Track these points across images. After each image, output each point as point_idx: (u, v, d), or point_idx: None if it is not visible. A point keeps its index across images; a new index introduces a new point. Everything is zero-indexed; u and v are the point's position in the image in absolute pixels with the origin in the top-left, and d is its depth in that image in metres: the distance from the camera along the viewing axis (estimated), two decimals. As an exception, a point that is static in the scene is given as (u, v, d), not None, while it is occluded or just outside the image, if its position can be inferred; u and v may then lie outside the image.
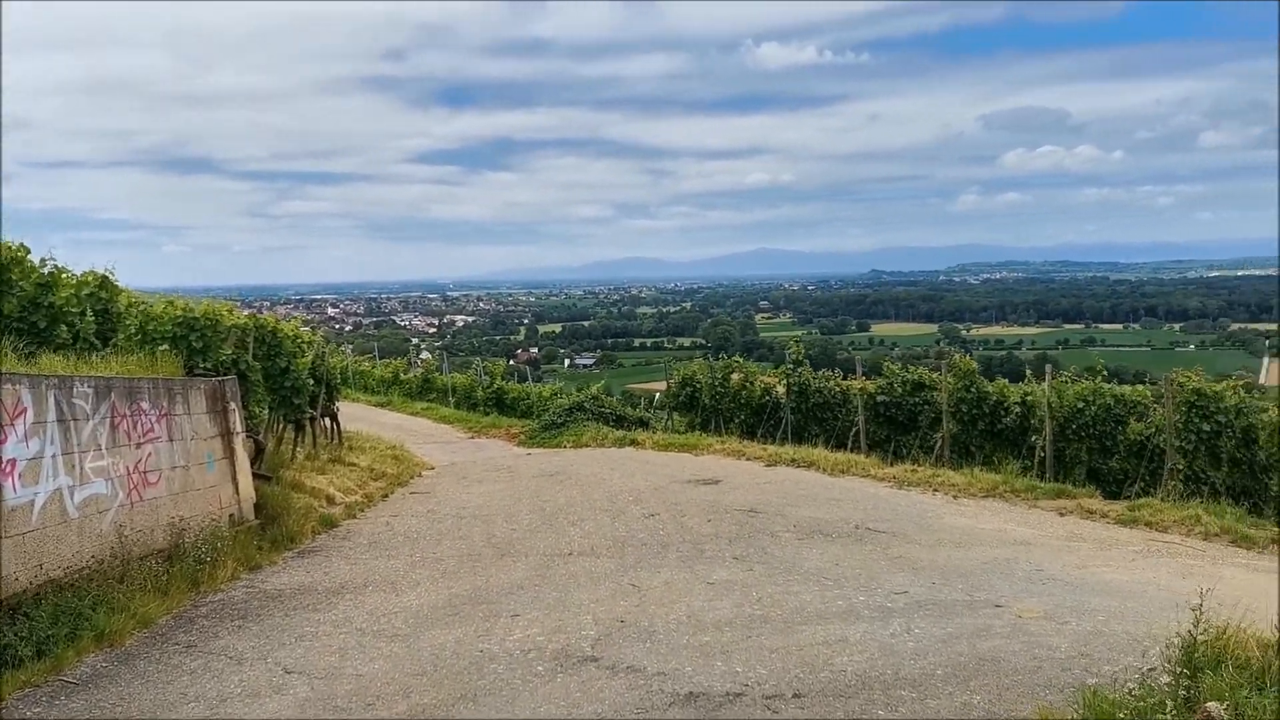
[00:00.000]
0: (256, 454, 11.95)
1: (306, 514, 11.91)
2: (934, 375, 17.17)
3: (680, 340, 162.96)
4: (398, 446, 19.51)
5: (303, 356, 15.17)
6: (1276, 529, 11.56)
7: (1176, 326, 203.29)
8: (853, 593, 8.65)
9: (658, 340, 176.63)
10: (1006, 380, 16.21)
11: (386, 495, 14.74)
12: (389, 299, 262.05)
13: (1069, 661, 6.93)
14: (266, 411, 13.71)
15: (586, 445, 20.04)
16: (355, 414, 26.31)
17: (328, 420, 18.52)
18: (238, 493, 10.92)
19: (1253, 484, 13.73)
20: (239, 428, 11.17)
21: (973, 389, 15.89)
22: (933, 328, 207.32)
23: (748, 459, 16.73)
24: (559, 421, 21.64)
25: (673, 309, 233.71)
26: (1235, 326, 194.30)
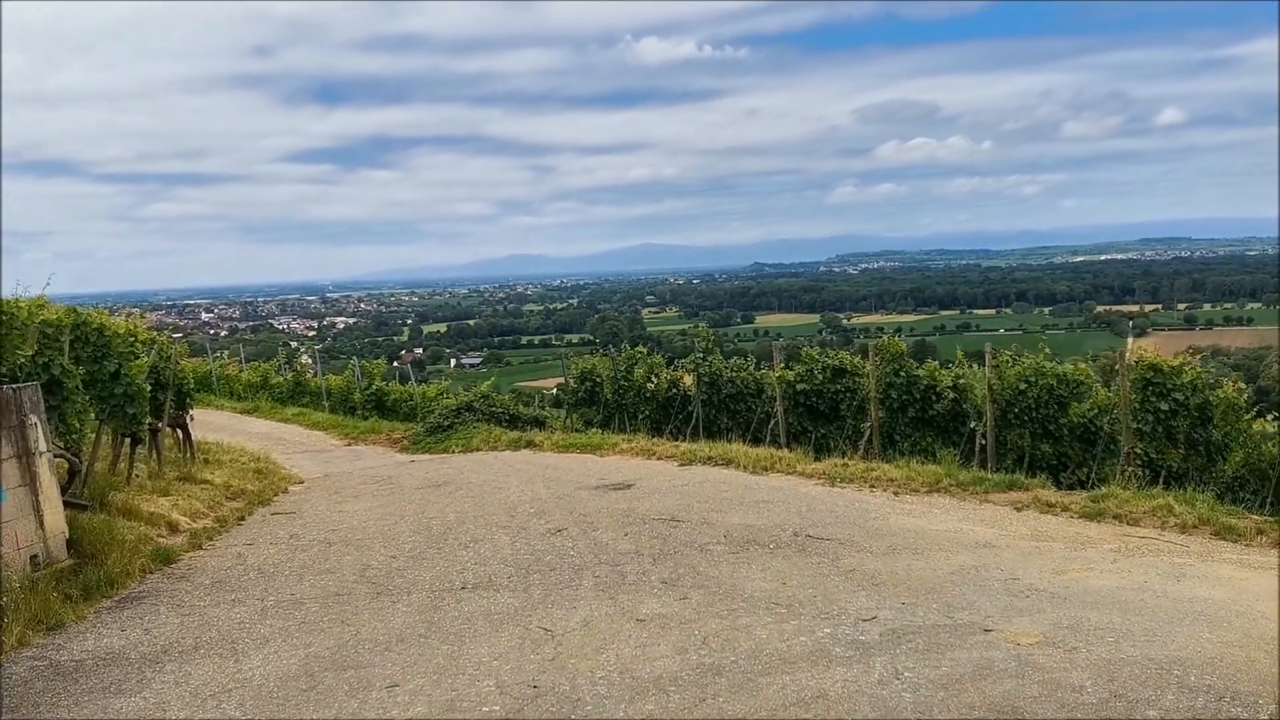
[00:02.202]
0: (70, 478, 9.76)
1: (137, 548, 9.73)
2: (856, 360, 15.79)
3: (568, 337, 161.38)
4: (262, 458, 17.29)
5: (139, 358, 12.89)
6: (1258, 518, 10.40)
7: (1046, 310, 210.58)
8: (813, 622, 7.05)
9: (545, 337, 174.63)
10: (936, 363, 14.89)
11: (244, 518, 12.57)
12: (266, 302, 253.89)
13: (1104, 706, 5.46)
14: (91, 425, 11.45)
15: (477, 449, 18.10)
16: (217, 422, 23.88)
17: (179, 431, 16.22)
18: (42, 527, 8.73)
19: (1207, 466, 12.68)
20: (43, 446, 8.97)
21: (902, 373, 14.54)
22: (815, 317, 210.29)
23: (659, 458, 15.05)
24: (446, 424, 19.62)
25: (559, 306, 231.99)
26: (1100, 309, 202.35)
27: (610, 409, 18.57)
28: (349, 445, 21.43)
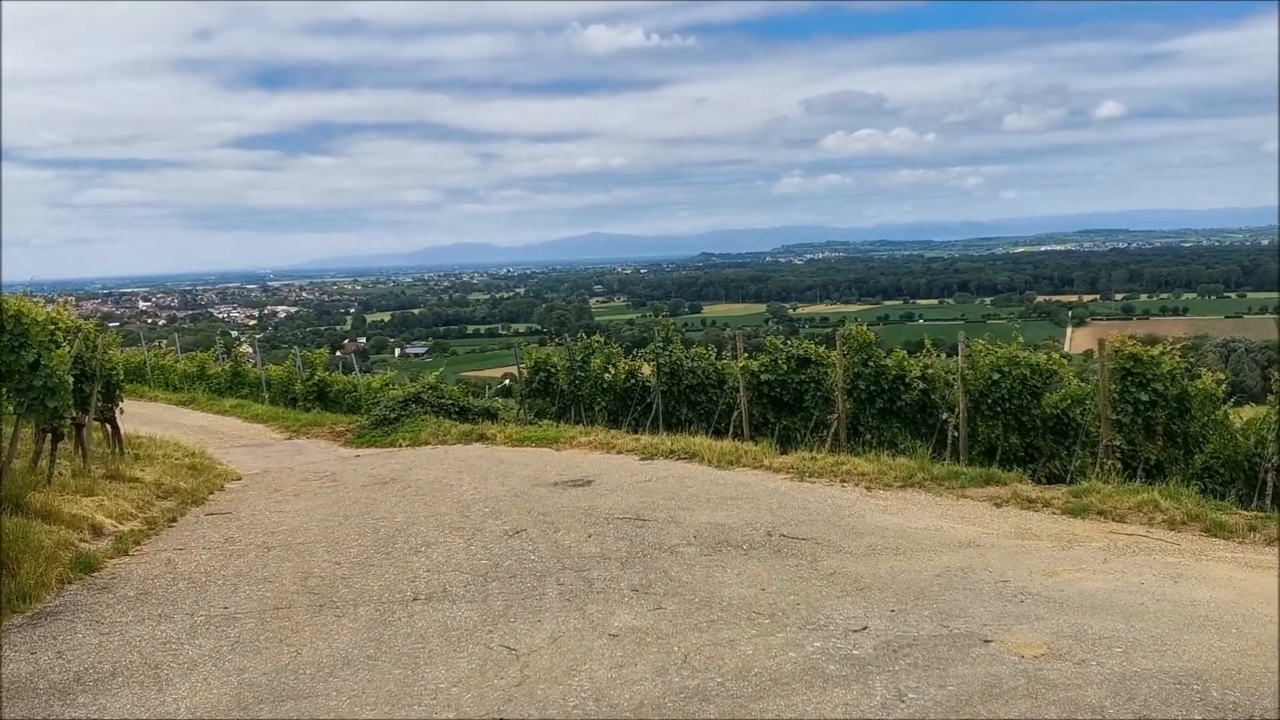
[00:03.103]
0: (-21, 479, 8.88)
1: (55, 555, 8.88)
2: (821, 350, 15.25)
3: (515, 326, 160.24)
4: (198, 453, 16.34)
5: (61, 348, 11.94)
6: (1248, 514, 10.02)
7: (988, 300, 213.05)
8: (801, 634, 6.48)
9: (491, 327, 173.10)
10: (905, 352, 14.39)
11: (176, 519, 11.70)
12: (205, 290, 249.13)
13: (1133, 729, 4.98)
14: (8, 420, 10.55)
15: (426, 443, 17.29)
16: (151, 415, 22.79)
17: (108, 426, 15.24)
18: (-57, 535, 7.89)
19: (1184, 458, 12.34)
20: (-54, 445, 8.11)
21: (870, 363, 14.02)
22: (761, 307, 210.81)
23: (619, 452, 14.39)
24: (392, 416, 18.78)
25: (506, 295, 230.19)
26: (1040, 299, 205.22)
27: (566, 400, 17.88)
28: (290, 439, 20.50)
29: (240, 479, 14.95)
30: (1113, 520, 9.96)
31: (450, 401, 19.05)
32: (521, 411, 18.96)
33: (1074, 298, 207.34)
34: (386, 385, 23.82)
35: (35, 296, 13.75)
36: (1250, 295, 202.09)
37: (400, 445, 17.57)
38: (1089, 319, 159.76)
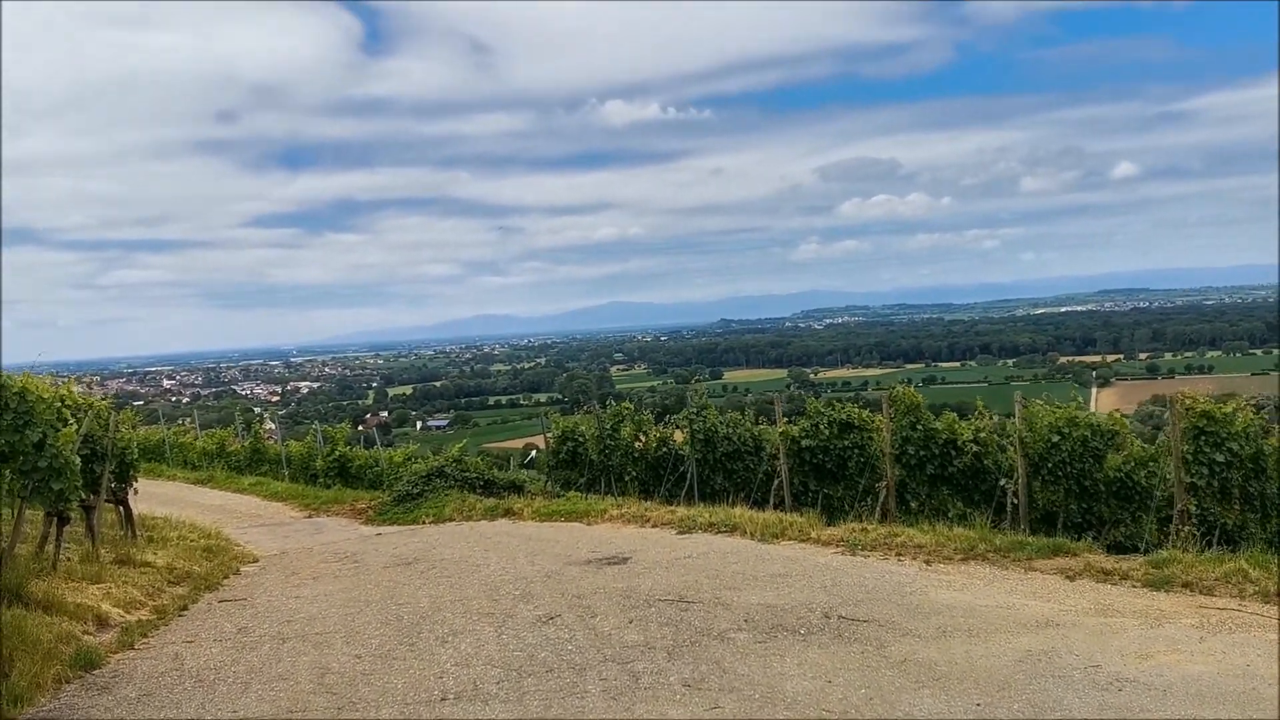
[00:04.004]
0: (-27, 569, 8.24)
1: (53, 651, 8.20)
2: (865, 413, 14.50)
3: (536, 396, 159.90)
4: (214, 534, 15.69)
5: (68, 426, 11.36)
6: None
7: (1010, 362, 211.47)
8: (882, 737, 5.70)
9: (513, 397, 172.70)
10: (955, 415, 13.63)
11: (187, 606, 10.99)
12: (229, 368, 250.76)
13: None
14: (11, 503, 9.93)
15: (450, 519, 16.56)
16: (167, 494, 22.20)
17: (121, 507, 14.65)
18: (-71, 634, 7.22)
19: (1263, 522, 11.47)
20: (-65, 534, 7.48)
21: (919, 426, 13.25)
22: (782, 372, 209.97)
23: (654, 525, 13.62)
24: (415, 492, 18.08)
25: (527, 365, 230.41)
26: (1064, 360, 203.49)
27: (595, 471, 17.14)
28: (310, 517, 19.81)
29: (257, 561, 14.25)
30: (1200, 593, 9.12)
31: (474, 475, 18.34)
32: (548, 484, 18.24)
33: (1097, 358, 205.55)
34: (409, 459, 23.15)
35: (62, 376, 13.27)
36: (1277, 351, 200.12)
37: (423, 522, 16.85)
38: (1113, 379, 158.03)
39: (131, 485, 14.96)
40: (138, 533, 14.57)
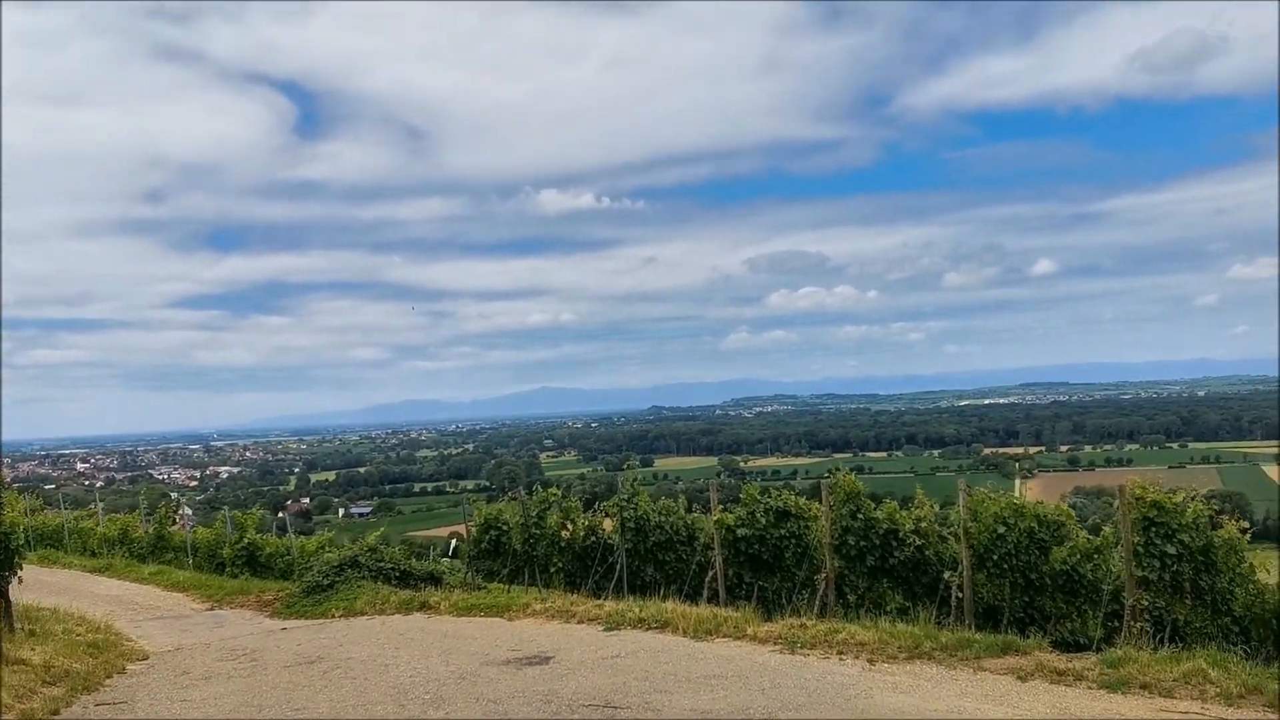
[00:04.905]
0: None
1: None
2: (801, 501, 13.90)
3: (463, 483, 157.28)
4: (104, 627, 14.46)
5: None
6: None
7: (936, 453, 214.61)
8: None
9: (439, 485, 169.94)
10: (896, 504, 13.08)
11: (59, 710, 9.84)
12: (147, 451, 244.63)
13: None
14: None
15: (362, 613, 15.49)
16: (61, 584, 20.77)
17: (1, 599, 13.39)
18: None
19: (1213, 617, 11.01)
20: None
21: (860, 515, 12.66)
22: (713, 460, 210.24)
23: (580, 621, 12.76)
24: (325, 583, 16.96)
25: (455, 451, 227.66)
26: (988, 451, 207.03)
27: (519, 561, 16.22)
28: (211, 609, 18.51)
29: (147, 658, 13.06)
30: (1159, 695, 8.57)
31: (390, 565, 17.29)
32: (469, 575, 17.25)
33: (1020, 450, 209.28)
34: (322, 548, 21.92)
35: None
36: (1191, 445, 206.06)
37: (333, 616, 15.75)
38: (1036, 470, 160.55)
39: (15, 574, 13.74)
40: (15, 626, 13.31)
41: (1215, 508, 10.99)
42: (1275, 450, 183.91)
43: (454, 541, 22.74)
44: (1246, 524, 11.39)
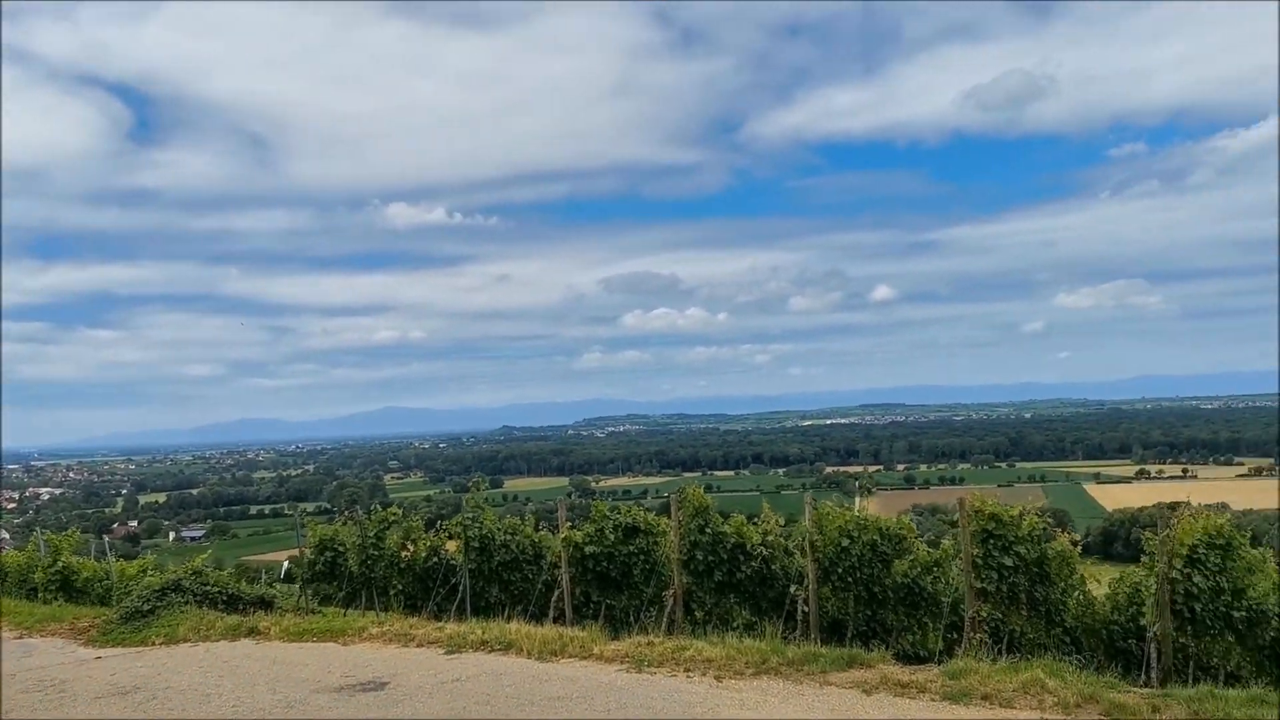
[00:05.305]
0: None
1: None
2: (651, 516, 13.71)
3: (303, 506, 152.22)
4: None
5: None
6: (1144, 691, 8.92)
7: (780, 471, 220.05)
8: None
9: (278, 507, 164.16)
10: (744, 517, 13.02)
11: None
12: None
13: None
14: None
15: (185, 640, 14.47)
16: None
17: None
18: None
19: (1048, 629, 11.31)
20: None
21: (708, 530, 12.54)
22: (564, 480, 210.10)
23: (419, 645, 12.20)
24: (145, 608, 15.83)
25: (294, 472, 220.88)
26: (829, 469, 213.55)
27: (356, 584, 15.51)
28: (20, 638, 17.03)
29: (-66, 696, 11.83)
30: (999, 705, 8.67)
31: (217, 589, 16.27)
32: (303, 599, 16.41)
33: (860, 468, 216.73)
34: (143, 572, 20.57)
35: None
36: (1019, 465, 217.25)
37: (153, 643, 14.67)
38: (875, 488, 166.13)
39: None
40: None
41: (1049, 520, 11.29)
42: (1095, 470, 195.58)
43: (286, 564, 21.69)
44: (1078, 536, 11.76)
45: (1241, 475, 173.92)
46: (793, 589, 12.03)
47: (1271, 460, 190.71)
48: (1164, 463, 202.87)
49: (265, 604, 16.37)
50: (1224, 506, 10.89)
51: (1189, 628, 10.32)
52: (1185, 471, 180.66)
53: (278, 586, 20.46)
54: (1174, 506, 11.00)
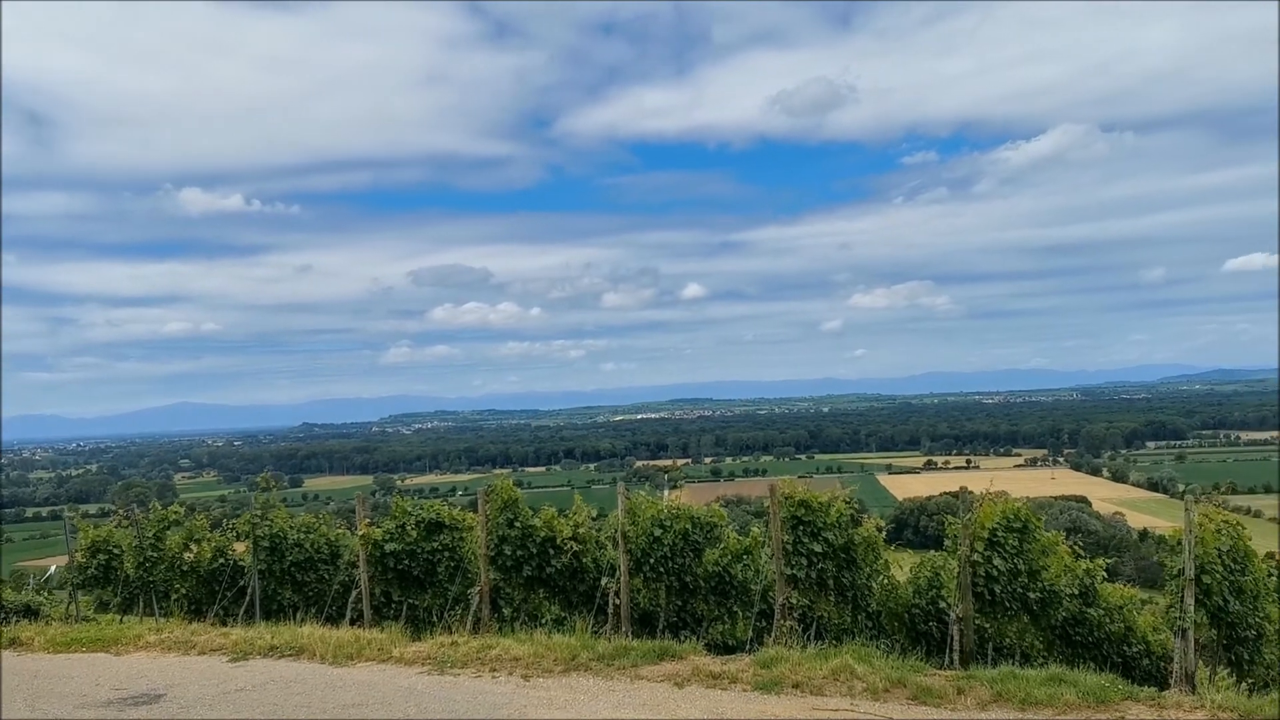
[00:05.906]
0: None
1: None
2: (455, 512, 13.14)
3: (84, 507, 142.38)
4: None
5: None
6: (949, 674, 9.05)
7: (592, 466, 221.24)
8: None
9: (56, 509, 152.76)
10: (555, 510, 12.61)
11: None
12: None
13: None
14: None
15: (-70, 656, 12.95)
16: None
17: None
18: None
19: (855, 614, 11.43)
20: None
21: (517, 523, 12.08)
22: (368, 479, 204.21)
23: (201, 653, 11.24)
24: (-120, 625, 14.09)
25: (75, 473, 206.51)
26: (640, 464, 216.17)
27: (133, 588, 14.24)
28: None
29: None
30: (810, 693, 8.62)
31: (-28, 599, 14.69)
32: (73, 606, 14.99)
33: (669, 462, 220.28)
34: (-116, 582, 18.42)
35: None
36: (817, 456, 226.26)
37: (-110, 663, 13.05)
38: (682, 481, 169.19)
39: None
40: None
41: (856, 507, 11.41)
42: (887, 461, 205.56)
43: (53, 568, 19.91)
44: (883, 522, 11.95)
45: (1019, 465, 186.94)
46: (604, 581, 11.73)
47: (1045, 450, 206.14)
48: (950, 454, 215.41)
49: (29, 612, 14.92)
50: (1003, 495, 11.22)
51: (989, 609, 10.62)
52: (969, 462, 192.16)
53: (48, 594, 18.72)
54: (969, 492, 11.29)
